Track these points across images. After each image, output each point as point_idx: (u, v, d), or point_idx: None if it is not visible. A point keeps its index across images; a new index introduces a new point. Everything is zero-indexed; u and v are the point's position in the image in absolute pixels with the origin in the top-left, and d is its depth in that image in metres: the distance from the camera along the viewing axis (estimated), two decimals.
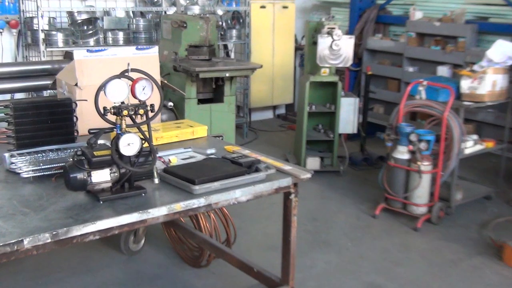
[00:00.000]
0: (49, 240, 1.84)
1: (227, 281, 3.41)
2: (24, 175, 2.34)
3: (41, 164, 2.38)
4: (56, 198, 2.16)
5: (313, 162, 5.44)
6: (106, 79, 2.08)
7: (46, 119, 2.64)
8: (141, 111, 2.14)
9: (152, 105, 2.18)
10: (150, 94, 2.16)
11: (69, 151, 2.57)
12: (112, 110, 2.10)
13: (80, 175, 2.08)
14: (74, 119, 2.72)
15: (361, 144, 5.94)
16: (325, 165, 5.54)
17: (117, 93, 2.10)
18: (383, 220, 4.41)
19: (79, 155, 2.13)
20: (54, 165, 2.37)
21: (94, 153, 2.11)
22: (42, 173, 2.36)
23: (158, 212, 2.07)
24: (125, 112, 2.10)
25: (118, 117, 2.12)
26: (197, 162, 2.49)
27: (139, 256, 3.72)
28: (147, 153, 2.21)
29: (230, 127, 4.86)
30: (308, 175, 2.45)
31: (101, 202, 2.10)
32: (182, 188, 2.24)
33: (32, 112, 2.61)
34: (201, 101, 4.82)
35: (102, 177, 2.13)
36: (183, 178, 2.25)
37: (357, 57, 6.64)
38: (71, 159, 2.13)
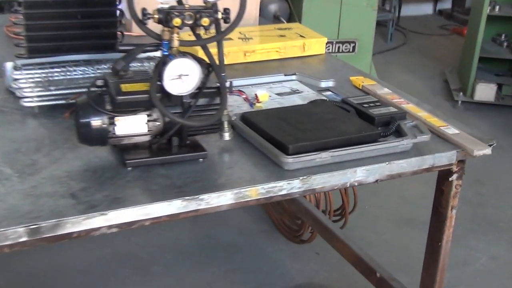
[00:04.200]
0: (23, 239, 1.36)
1: (336, 270, 2.88)
2: (26, 102, 1.87)
3: (52, 88, 1.89)
4: (62, 150, 1.67)
5: (486, 90, 4.67)
6: None
7: (74, 12, 2.11)
8: (205, 21, 1.55)
9: (226, 11, 1.58)
10: None
11: (105, 66, 2.05)
12: (156, 16, 1.53)
13: (96, 121, 1.56)
14: (117, 13, 2.17)
15: None
16: (503, 97, 4.74)
17: None
18: None
19: (99, 86, 1.60)
20: (72, 91, 1.88)
21: (122, 86, 1.57)
22: (53, 102, 1.88)
23: (219, 200, 1.53)
24: (176, 21, 1.52)
25: (165, 29, 1.55)
26: (298, 109, 1.89)
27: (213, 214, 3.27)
28: (214, 90, 1.64)
29: (368, 29, 4.20)
30: (487, 150, 1.78)
31: (128, 168, 1.59)
32: (267, 155, 1.66)
33: None
34: None
35: (133, 126, 1.60)
36: (270, 139, 1.67)
37: None
38: (86, 92, 1.60)
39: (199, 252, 2.99)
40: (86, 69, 2.00)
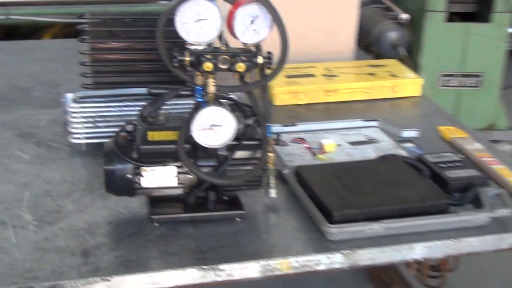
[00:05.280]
0: None
1: None
2: (75, 139, 1.77)
3: (101, 125, 1.78)
4: (92, 197, 1.55)
5: None
6: None
7: (142, 43, 1.99)
8: (240, 67, 1.36)
9: (269, 55, 1.39)
10: (266, 34, 1.37)
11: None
12: (188, 59, 1.36)
13: (120, 170, 1.42)
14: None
15: None
16: None
17: (199, 26, 1.35)
18: None
19: (129, 132, 1.46)
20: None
21: (149, 134, 1.42)
22: (101, 140, 1.76)
23: (242, 272, 1.33)
24: (207, 66, 1.35)
25: (198, 73, 1.38)
26: (362, 165, 1.65)
27: None
28: (256, 143, 1.45)
29: (497, 62, 3.82)
30: None
31: (156, 224, 1.43)
32: (312, 218, 1.45)
33: (120, 29, 1.98)
34: (456, 16, 3.82)
35: (162, 178, 1.44)
36: (317, 201, 1.46)
37: None
38: (115, 137, 1.47)
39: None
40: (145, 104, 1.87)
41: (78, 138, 1.77)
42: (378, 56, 3.74)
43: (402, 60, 3.35)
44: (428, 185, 1.53)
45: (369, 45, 3.84)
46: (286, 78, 2.13)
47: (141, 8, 3.21)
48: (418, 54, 3.76)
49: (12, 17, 3.23)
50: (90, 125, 1.78)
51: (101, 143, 1.73)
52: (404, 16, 3.76)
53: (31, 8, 3.33)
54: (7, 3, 3.29)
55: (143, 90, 1.90)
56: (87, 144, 1.78)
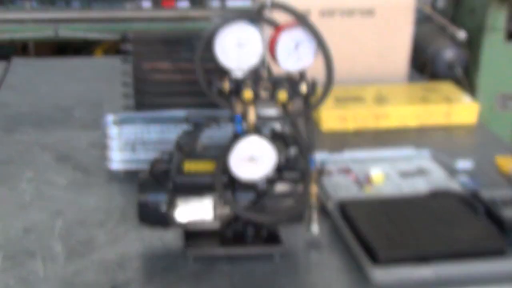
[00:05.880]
0: None
1: None
2: (113, 164, 1.71)
3: (139, 151, 1.72)
4: (126, 228, 1.49)
5: None
6: (218, 20, 1.27)
7: (189, 64, 1.93)
8: (281, 95, 1.28)
9: (313, 83, 1.30)
10: (310, 61, 1.28)
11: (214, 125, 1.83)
12: (227, 86, 1.29)
13: (153, 202, 1.35)
14: None
15: None
16: None
17: (240, 52, 1.27)
18: None
19: (166, 160, 1.39)
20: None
21: (186, 164, 1.35)
22: (139, 167, 1.70)
23: None
24: (246, 94, 1.27)
25: (237, 101, 1.31)
26: (410, 201, 1.55)
27: None
28: (298, 176, 1.36)
29: None
30: None
31: (192, 259, 1.36)
32: (355, 258, 1.36)
33: (164, 50, 1.93)
34: None
35: (197, 211, 1.37)
36: (362, 239, 1.36)
37: None
38: (151, 166, 1.40)
39: None
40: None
41: (116, 164, 1.71)
42: (433, 76, 3.60)
43: (458, 80, 3.24)
44: (482, 224, 1.42)
45: (424, 63, 3.71)
46: (334, 102, 2.04)
47: (188, 25, 3.18)
48: (476, 74, 3.60)
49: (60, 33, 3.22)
50: (128, 152, 1.72)
51: (140, 170, 1.69)
52: (462, 34, 3.62)
53: (79, 25, 3.33)
54: (55, 19, 3.29)
55: (185, 113, 1.84)
56: (126, 169, 1.72)
